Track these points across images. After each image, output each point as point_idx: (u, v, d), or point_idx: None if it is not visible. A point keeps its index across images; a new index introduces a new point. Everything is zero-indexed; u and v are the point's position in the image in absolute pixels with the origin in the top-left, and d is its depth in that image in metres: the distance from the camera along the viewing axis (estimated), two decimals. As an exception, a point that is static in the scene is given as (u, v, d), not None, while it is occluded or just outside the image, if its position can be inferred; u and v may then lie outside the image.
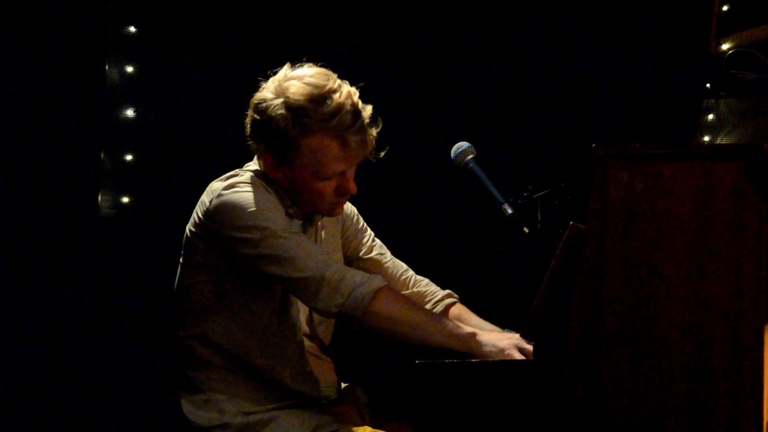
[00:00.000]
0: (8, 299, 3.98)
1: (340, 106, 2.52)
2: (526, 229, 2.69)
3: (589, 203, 2.11)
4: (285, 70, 2.62)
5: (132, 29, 4.21)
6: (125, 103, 4.19)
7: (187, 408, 2.66)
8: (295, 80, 2.55)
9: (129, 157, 4.21)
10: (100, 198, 4.16)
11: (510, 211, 2.69)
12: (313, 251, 2.52)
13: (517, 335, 2.48)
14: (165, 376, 2.98)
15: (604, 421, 2.07)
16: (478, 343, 2.43)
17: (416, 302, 2.76)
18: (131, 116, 4.20)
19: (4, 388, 3.95)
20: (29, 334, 4.00)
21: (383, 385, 3.35)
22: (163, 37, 4.24)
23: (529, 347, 2.37)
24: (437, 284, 3.03)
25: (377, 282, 2.50)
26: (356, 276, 2.50)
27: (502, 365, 2.28)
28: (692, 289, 2.06)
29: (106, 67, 4.15)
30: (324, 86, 2.53)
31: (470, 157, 2.79)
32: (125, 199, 4.21)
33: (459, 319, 2.87)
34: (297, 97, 2.52)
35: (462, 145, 2.81)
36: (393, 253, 3.06)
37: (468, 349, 2.42)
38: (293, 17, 4.31)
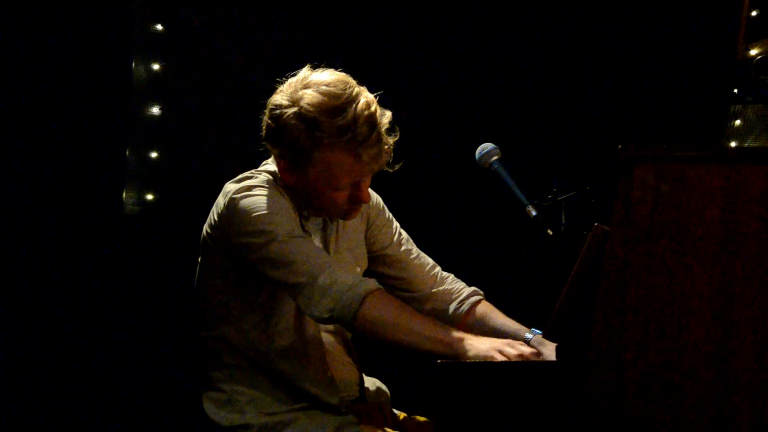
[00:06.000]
0: (32, 295, 4.00)
1: (356, 120, 2.45)
2: (550, 231, 2.67)
3: (614, 205, 2.10)
4: (303, 73, 2.55)
5: (159, 27, 4.23)
6: (151, 100, 4.21)
7: (209, 407, 2.65)
8: (311, 88, 2.49)
9: (154, 155, 4.23)
10: (124, 195, 4.18)
11: (534, 212, 2.68)
12: (311, 255, 2.46)
13: (508, 339, 2.44)
14: (188, 373, 3.00)
15: (627, 423, 2.06)
16: (464, 348, 2.36)
17: (408, 306, 2.61)
18: (157, 113, 4.22)
19: (27, 384, 3.97)
20: (54, 330, 4.02)
21: (407, 382, 3.34)
22: (189, 34, 4.26)
23: (511, 350, 2.34)
24: (461, 285, 3.02)
25: (367, 285, 2.43)
26: (348, 279, 2.42)
27: (525, 366, 2.26)
28: (718, 292, 2.04)
29: (133, 64, 4.18)
30: (340, 96, 2.46)
31: (495, 158, 2.77)
32: (150, 197, 4.22)
33: (484, 317, 2.83)
34: (310, 108, 2.46)
35: (487, 146, 2.79)
36: (417, 253, 3.04)
37: (455, 354, 2.36)
38: (320, 15, 4.32)
